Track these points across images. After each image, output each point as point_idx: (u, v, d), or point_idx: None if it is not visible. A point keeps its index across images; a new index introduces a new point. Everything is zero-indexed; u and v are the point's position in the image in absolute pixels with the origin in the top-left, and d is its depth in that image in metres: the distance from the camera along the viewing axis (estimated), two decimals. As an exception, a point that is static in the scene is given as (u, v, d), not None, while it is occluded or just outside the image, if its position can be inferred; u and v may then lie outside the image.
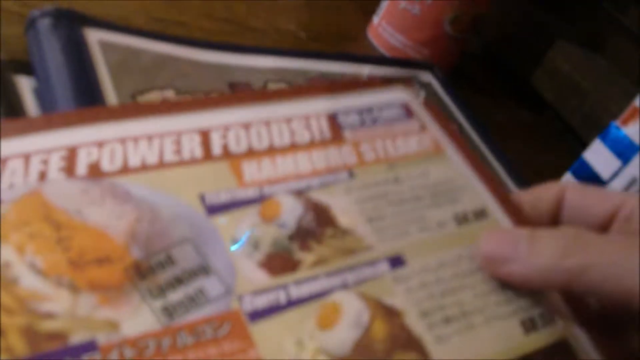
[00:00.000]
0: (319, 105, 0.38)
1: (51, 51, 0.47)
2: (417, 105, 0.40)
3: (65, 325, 0.26)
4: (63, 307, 0.26)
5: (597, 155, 0.55)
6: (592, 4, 0.71)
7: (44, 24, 0.49)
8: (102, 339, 0.26)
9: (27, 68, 0.47)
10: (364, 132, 0.37)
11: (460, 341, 0.29)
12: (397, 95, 0.41)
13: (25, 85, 0.46)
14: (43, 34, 0.48)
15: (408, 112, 0.40)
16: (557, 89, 0.72)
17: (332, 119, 0.37)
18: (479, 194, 0.36)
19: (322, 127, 0.36)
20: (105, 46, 0.52)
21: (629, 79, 0.67)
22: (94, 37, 0.51)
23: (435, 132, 0.39)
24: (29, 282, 0.26)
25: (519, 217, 0.35)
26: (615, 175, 0.54)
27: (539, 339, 0.31)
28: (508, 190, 0.37)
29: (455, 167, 0.37)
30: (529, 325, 0.31)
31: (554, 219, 0.36)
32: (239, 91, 0.36)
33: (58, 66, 0.46)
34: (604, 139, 0.55)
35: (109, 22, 0.54)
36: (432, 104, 0.41)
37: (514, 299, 0.32)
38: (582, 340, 0.32)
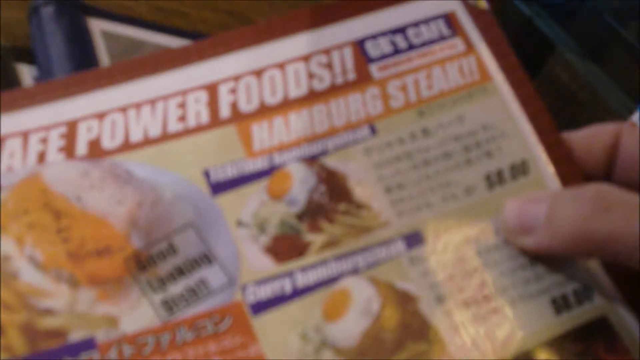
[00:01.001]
0: (343, 32, 0.33)
1: (54, 40, 0.46)
2: (465, 17, 0.34)
3: (64, 322, 0.26)
4: (62, 303, 0.26)
5: None
6: (594, 15, 0.68)
7: (47, 12, 0.48)
8: (101, 336, 0.25)
9: (28, 56, 0.46)
10: (395, 65, 0.32)
11: (481, 327, 0.27)
12: (440, 4, 0.34)
13: (26, 74, 0.45)
14: (46, 22, 0.47)
15: (453, 27, 0.33)
16: (554, 99, 0.70)
17: (359, 48, 0.32)
18: (523, 141, 0.31)
19: (345, 63, 0.32)
20: (108, 36, 0.50)
21: (627, 92, 0.64)
22: (97, 26, 0.50)
23: (484, 53, 0.33)
24: (28, 276, 0.26)
25: (567, 168, 0.31)
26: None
27: (573, 319, 0.28)
28: (558, 133, 0.32)
29: (500, 103, 0.32)
30: (561, 304, 0.28)
31: (609, 164, 0.32)
32: (250, 27, 0.32)
33: (60, 55, 0.45)
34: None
35: (112, 13, 0.53)
36: (484, 13, 0.34)
37: (545, 274, 0.29)
38: (624, 316, 0.29)
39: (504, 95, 0.32)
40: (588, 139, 0.32)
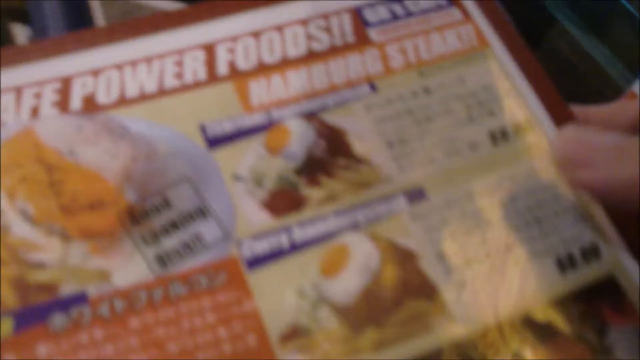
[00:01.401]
0: (341, 1, 0.33)
1: (49, 1, 0.45)
2: None
3: (55, 276, 0.25)
4: (54, 257, 0.25)
5: None
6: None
7: (43, -28, 0.47)
8: (92, 290, 0.25)
9: (23, 16, 0.46)
10: (394, 30, 0.32)
11: (482, 286, 0.27)
12: None
13: (20, 34, 0.45)
14: (42, -17, 0.46)
15: None
16: (555, 72, 0.71)
17: (357, 14, 0.32)
18: (525, 102, 0.31)
19: (344, 28, 0.32)
20: (105, -1, 0.50)
21: (627, 65, 0.64)
22: (94, -12, 0.50)
23: (480, 22, 0.33)
24: (20, 230, 0.26)
25: None
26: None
27: (579, 278, 0.27)
28: (561, 97, 0.32)
29: (500, 67, 0.32)
30: (567, 263, 0.27)
31: None
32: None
33: (55, 17, 0.44)
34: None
35: (109, -25, 0.52)
36: None
37: (551, 232, 0.28)
38: (633, 275, 0.28)
39: (502, 60, 0.32)
40: (612, 114, 0.31)
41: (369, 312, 0.25)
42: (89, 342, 0.24)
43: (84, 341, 0.24)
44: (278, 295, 0.25)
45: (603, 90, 0.64)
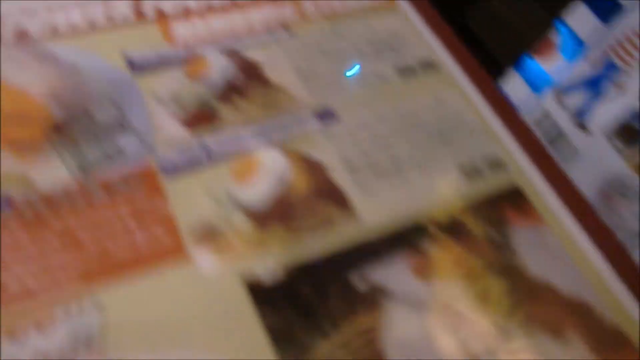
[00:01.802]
0: None
1: None
2: None
3: (-21, 184, 0.26)
4: (-21, 166, 0.27)
5: (512, 85, 0.56)
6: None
7: None
8: (16, 195, 0.26)
9: None
10: None
11: (391, 193, 0.28)
12: None
13: None
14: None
15: None
16: (493, 30, 0.74)
17: None
18: (429, 46, 0.35)
19: None
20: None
21: (550, 14, 0.66)
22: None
23: None
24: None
25: (473, 69, 0.34)
26: (525, 104, 0.53)
27: (485, 186, 0.30)
28: (460, 42, 0.35)
29: (406, 18, 0.35)
30: (472, 173, 0.30)
31: None
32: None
33: None
34: (519, 69, 0.56)
35: None
36: None
37: (458, 148, 0.31)
38: (537, 185, 0.30)
39: (408, 13, 0.36)
40: None
41: (279, 215, 0.27)
42: (12, 243, 0.25)
43: (6, 242, 0.25)
44: (193, 200, 0.27)
45: (528, 39, 0.67)
